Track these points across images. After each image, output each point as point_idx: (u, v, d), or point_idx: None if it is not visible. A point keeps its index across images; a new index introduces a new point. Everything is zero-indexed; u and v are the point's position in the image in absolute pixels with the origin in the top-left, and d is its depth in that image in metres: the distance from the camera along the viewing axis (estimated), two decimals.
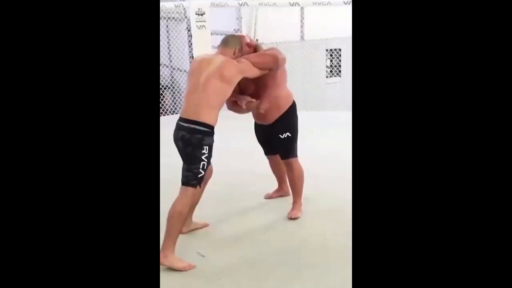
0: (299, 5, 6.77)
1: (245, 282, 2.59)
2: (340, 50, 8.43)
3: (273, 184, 3.80)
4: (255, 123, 3.48)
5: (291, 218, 3.35)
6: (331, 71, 8.57)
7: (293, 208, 3.43)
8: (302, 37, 8.05)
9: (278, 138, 3.31)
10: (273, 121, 3.28)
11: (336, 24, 7.62)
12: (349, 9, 7.30)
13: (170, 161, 4.33)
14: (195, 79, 2.74)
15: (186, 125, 2.68)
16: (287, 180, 3.54)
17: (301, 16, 7.98)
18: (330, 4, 6.77)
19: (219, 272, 2.70)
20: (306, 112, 6.65)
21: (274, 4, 6.48)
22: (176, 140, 2.74)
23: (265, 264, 2.75)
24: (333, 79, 8.62)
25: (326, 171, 4.35)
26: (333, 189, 3.86)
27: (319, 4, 6.65)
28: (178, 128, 2.72)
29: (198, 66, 2.79)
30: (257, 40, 7.91)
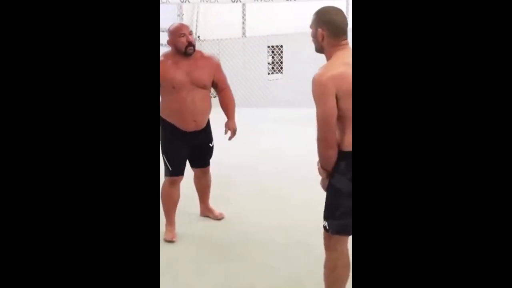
0: (240, 1, 6.78)
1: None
2: (281, 46, 8.49)
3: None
4: (173, 138, 3.13)
5: (218, 218, 3.48)
6: (272, 68, 8.63)
7: (212, 210, 3.51)
8: (243, 33, 8.06)
9: (207, 146, 3.26)
10: (205, 124, 3.16)
11: (278, 21, 7.69)
12: (291, 5, 7.40)
13: None
14: None
15: None
16: (202, 189, 3.50)
17: (243, 13, 7.98)
18: (272, 0, 6.83)
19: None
20: (248, 108, 6.68)
21: (216, 1, 6.47)
22: None
23: (275, 256, 2.88)
24: (275, 75, 8.69)
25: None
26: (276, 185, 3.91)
27: (261, 0, 6.69)
28: None
29: None
30: (198, 37, 7.88)
